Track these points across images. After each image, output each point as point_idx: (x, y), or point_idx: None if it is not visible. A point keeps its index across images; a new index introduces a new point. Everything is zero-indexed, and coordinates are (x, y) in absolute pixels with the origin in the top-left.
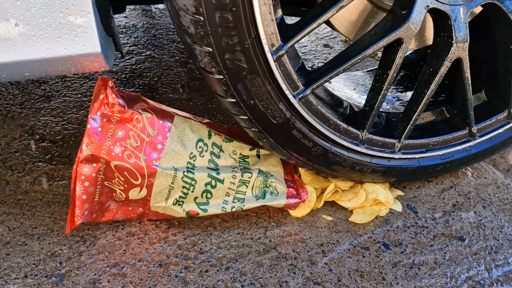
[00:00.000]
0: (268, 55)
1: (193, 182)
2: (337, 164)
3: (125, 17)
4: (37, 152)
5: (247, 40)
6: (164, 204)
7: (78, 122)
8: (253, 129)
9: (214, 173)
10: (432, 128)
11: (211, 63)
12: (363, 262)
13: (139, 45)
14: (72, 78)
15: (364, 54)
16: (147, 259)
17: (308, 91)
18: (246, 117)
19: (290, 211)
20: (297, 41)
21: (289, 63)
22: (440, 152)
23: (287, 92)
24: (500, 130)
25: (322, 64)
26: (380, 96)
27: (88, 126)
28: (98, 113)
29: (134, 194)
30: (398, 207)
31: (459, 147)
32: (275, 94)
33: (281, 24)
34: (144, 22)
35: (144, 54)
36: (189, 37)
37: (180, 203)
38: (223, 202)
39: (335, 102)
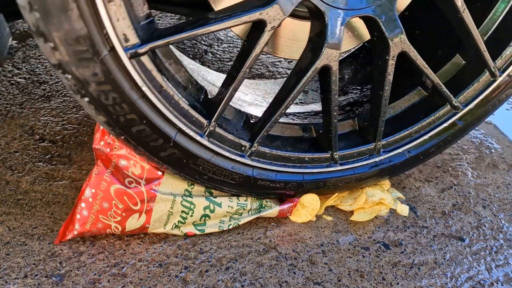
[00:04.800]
0: (199, 138)
1: (192, 207)
2: (319, 188)
3: None
4: (37, 152)
5: (170, 142)
6: (163, 229)
7: (78, 122)
8: (224, 191)
9: (211, 197)
10: (411, 115)
11: (152, 162)
12: (363, 262)
13: None
14: None
15: (294, 94)
16: (147, 259)
17: (255, 146)
18: (211, 186)
19: (292, 218)
20: (221, 114)
21: (225, 131)
22: (426, 136)
23: (234, 157)
24: (486, 92)
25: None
26: (333, 118)
27: (96, 146)
28: (102, 142)
29: (132, 222)
30: (403, 211)
31: (445, 124)
32: (224, 163)
33: (203, 100)
34: None
35: None
36: None
37: (179, 227)
38: (220, 222)
39: (298, 133)
